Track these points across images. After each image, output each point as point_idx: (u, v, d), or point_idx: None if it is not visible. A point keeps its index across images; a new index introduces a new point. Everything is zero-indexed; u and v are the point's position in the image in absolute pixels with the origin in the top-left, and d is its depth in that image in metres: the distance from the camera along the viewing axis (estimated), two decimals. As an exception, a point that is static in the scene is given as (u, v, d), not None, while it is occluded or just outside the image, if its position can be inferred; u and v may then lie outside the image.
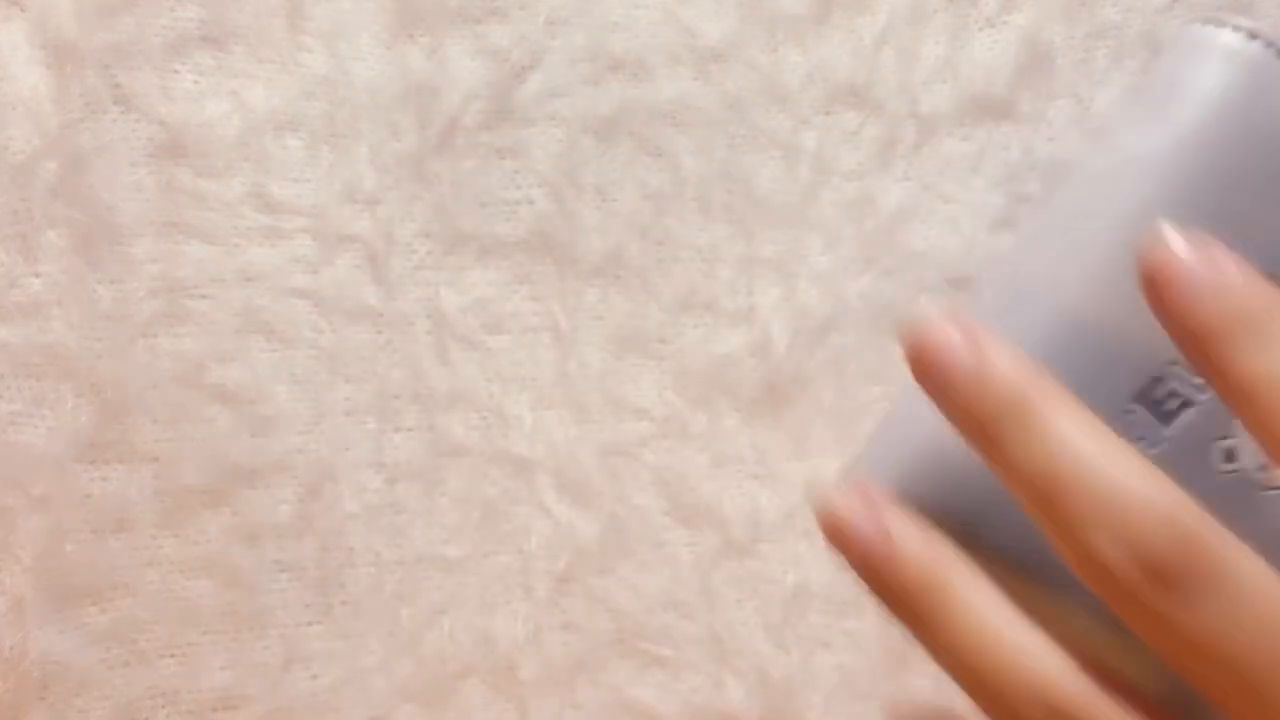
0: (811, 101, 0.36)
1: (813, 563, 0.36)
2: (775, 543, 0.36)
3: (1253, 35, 0.24)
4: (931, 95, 0.36)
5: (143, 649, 0.34)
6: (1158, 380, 0.24)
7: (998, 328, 0.22)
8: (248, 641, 0.34)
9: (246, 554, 0.34)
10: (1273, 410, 0.19)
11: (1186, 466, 0.21)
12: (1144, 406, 0.24)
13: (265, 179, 0.34)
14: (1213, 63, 0.25)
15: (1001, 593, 0.22)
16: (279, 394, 0.34)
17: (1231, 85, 0.24)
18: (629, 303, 0.36)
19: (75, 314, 0.33)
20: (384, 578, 0.35)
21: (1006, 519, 0.22)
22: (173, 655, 0.34)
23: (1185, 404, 0.24)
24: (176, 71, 0.33)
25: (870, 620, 0.36)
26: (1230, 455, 0.23)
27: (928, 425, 0.24)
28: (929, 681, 0.35)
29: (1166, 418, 0.24)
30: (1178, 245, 0.20)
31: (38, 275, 0.33)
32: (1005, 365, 0.20)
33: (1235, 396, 0.19)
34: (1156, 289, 0.20)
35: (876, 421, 0.28)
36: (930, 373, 0.21)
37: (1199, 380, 0.23)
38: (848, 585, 0.36)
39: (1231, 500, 0.20)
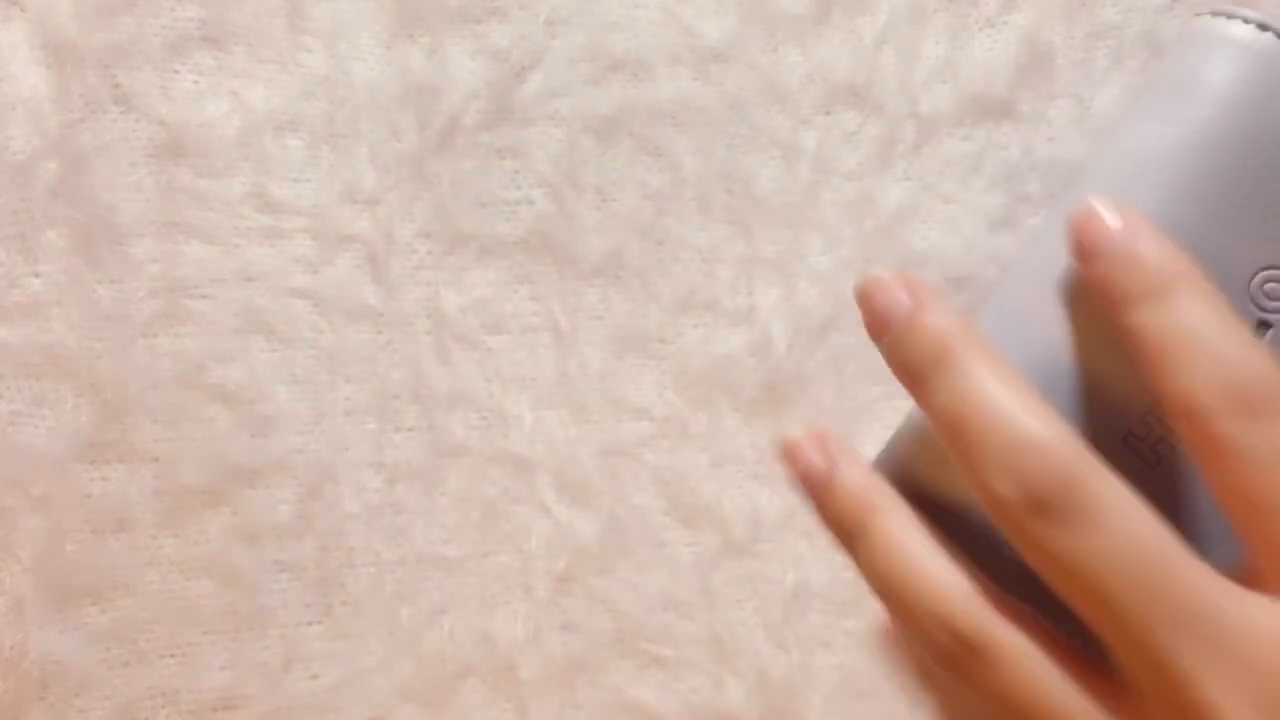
0: (811, 101, 0.36)
1: (813, 563, 0.36)
2: (775, 543, 0.36)
3: (1263, 27, 0.24)
4: (931, 95, 0.36)
5: (143, 649, 0.34)
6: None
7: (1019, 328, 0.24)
8: (248, 641, 0.35)
9: (246, 554, 0.34)
10: (1171, 364, 0.22)
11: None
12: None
13: (265, 179, 0.34)
14: (1223, 56, 0.25)
15: (926, 529, 0.25)
16: (279, 394, 0.34)
17: (1243, 79, 0.24)
18: (629, 303, 0.36)
19: (75, 314, 0.33)
20: (384, 578, 0.35)
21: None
22: (173, 655, 0.34)
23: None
24: (176, 71, 0.33)
25: (870, 620, 0.36)
26: None
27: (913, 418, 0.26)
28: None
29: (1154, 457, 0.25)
30: (1106, 217, 0.23)
31: (38, 275, 0.33)
32: (937, 317, 0.23)
33: (1145, 352, 0.22)
34: (1083, 255, 0.23)
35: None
36: (873, 318, 0.24)
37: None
38: (848, 585, 0.36)
39: None
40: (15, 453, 0.33)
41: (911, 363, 0.24)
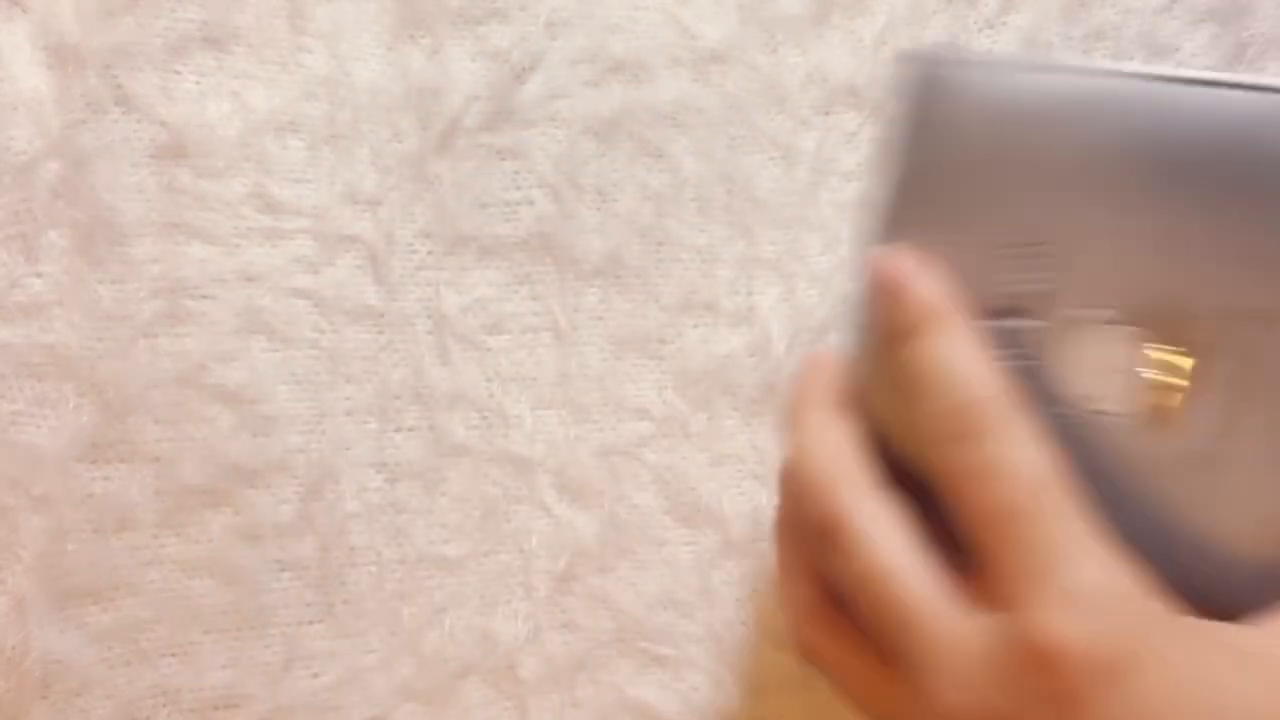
0: (811, 102, 0.37)
1: (812, 562, 0.36)
2: (775, 542, 0.36)
3: (923, 59, 0.27)
4: (930, 96, 0.36)
5: (144, 648, 0.34)
6: None
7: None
8: (249, 640, 0.35)
9: (248, 553, 0.34)
10: (917, 395, 0.26)
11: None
12: None
13: (266, 180, 0.34)
14: (904, 99, 0.27)
15: (848, 429, 0.28)
16: (280, 394, 0.34)
17: (912, 112, 0.27)
18: (629, 303, 0.36)
19: (77, 314, 0.33)
20: (385, 577, 0.35)
21: None
22: (174, 654, 0.34)
23: None
24: (178, 72, 0.33)
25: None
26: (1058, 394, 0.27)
27: None
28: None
29: None
30: (885, 262, 0.27)
31: (39, 275, 0.33)
32: (923, 290, 0.26)
33: (907, 386, 0.26)
34: (870, 295, 0.27)
35: None
36: (873, 285, 0.27)
37: None
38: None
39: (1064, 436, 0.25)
40: (17, 452, 0.33)
41: (898, 322, 0.27)
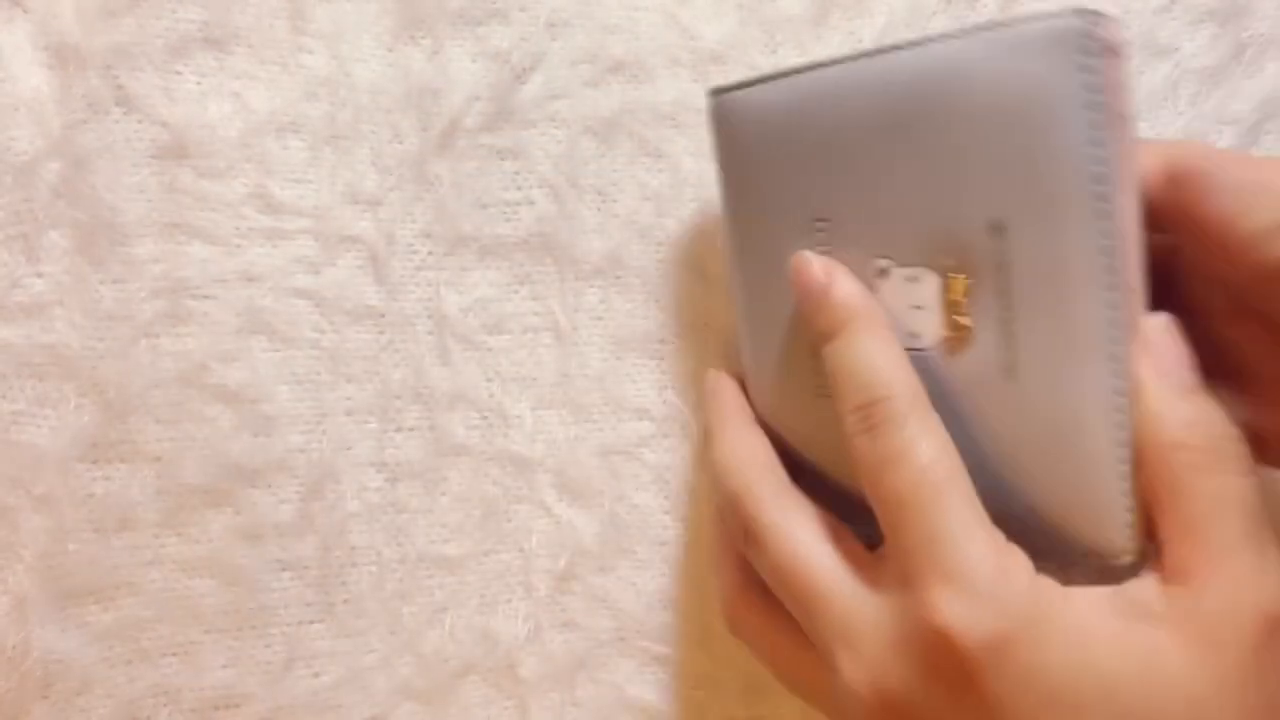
0: (810, 103, 0.37)
1: (812, 562, 0.36)
2: (774, 542, 0.37)
3: (711, 92, 0.32)
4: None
5: (145, 647, 0.34)
6: None
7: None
8: (249, 640, 0.35)
9: (248, 553, 0.34)
10: (838, 391, 0.28)
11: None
12: None
13: (267, 180, 0.34)
14: (710, 127, 0.32)
15: (755, 434, 0.32)
16: (281, 394, 0.34)
17: (716, 135, 0.32)
18: (629, 303, 0.36)
19: (78, 314, 0.33)
20: (385, 576, 0.35)
21: None
22: (175, 654, 0.34)
23: None
24: (179, 73, 0.33)
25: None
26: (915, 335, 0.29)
27: None
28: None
29: None
30: (812, 266, 0.29)
31: (40, 275, 0.33)
32: (842, 291, 0.29)
33: (831, 382, 0.29)
34: (797, 298, 0.30)
35: None
36: (799, 289, 0.30)
37: None
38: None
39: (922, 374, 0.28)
40: (18, 452, 0.33)
41: (821, 324, 0.29)
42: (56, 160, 0.33)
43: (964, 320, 0.28)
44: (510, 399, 0.36)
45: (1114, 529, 0.27)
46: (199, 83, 0.34)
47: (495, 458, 0.36)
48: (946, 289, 0.28)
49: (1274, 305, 0.27)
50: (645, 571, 0.37)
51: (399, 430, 0.35)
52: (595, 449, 0.37)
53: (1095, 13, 0.26)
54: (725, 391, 0.33)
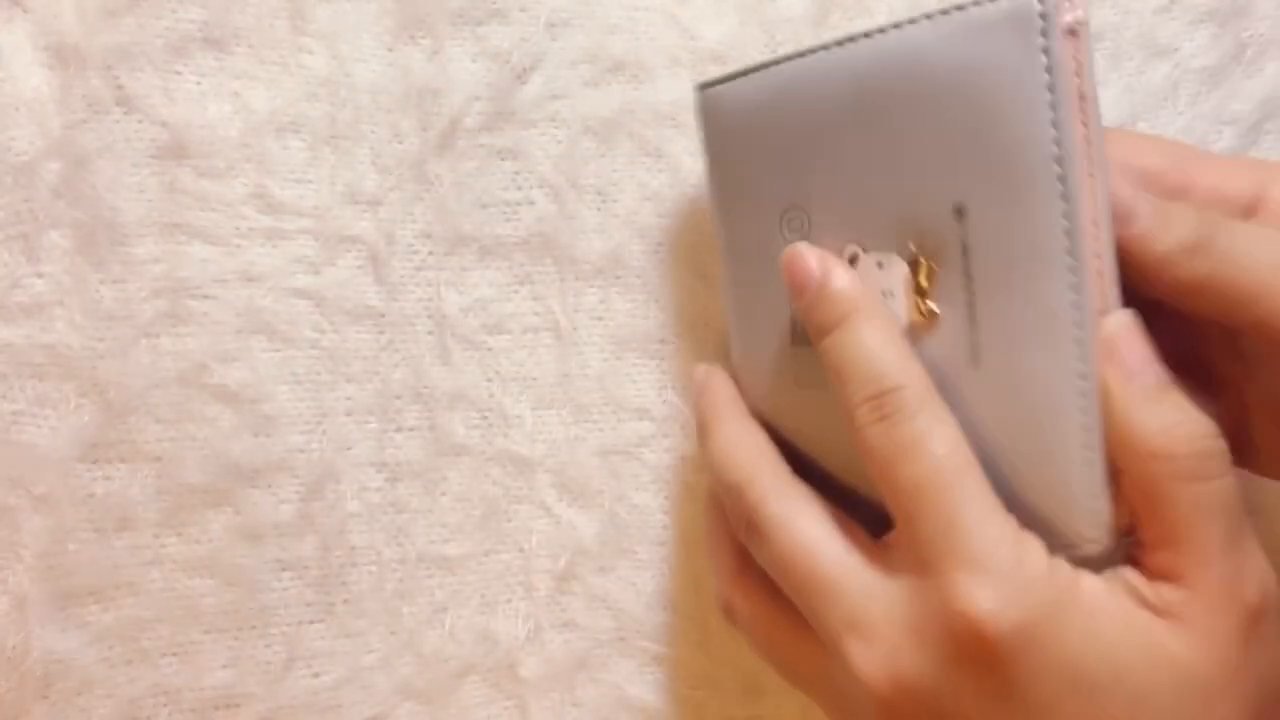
0: (810, 103, 0.37)
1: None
2: (774, 542, 0.36)
3: (696, 87, 0.33)
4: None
5: (145, 648, 0.34)
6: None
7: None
8: (249, 640, 0.35)
9: (248, 553, 0.34)
10: (842, 382, 0.28)
11: None
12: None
13: (267, 180, 0.34)
14: (698, 121, 0.33)
15: (751, 429, 0.32)
16: (281, 394, 0.34)
17: (702, 129, 0.33)
18: (629, 303, 0.36)
19: (78, 314, 0.33)
20: (385, 576, 0.35)
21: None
22: (175, 654, 0.34)
23: None
24: (179, 73, 0.33)
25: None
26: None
27: None
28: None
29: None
30: (807, 258, 0.29)
31: (40, 275, 0.33)
32: (839, 284, 0.29)
33: (831, 374, 0.28)
34: (791, 292, 0.30)
35: None
36: (793, 283, 0.29)
37: None
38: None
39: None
40: (18, 452, 0.33)
41: (820, 317, 0.29)
42: (56, 160, 0.33)
43: (930, 305, 0.28)
44: (510, 399, 0.36)
45: (1081, 516, 0.27)
46: (199, 83, 0.34)
47: (495, 458, 0.36)
48: (914, 274, 0.28)
49: (1201, 312, 0.27)
50: (645, 571, 0.37)
51: (399, 430, 0.35)
52: (595, 449, 0.37)
53: None
54: (717, 383, 0.33)
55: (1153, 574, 0.26)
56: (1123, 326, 0.26)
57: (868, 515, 0.29)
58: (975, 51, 0.26)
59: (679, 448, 0.37)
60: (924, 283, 0.28)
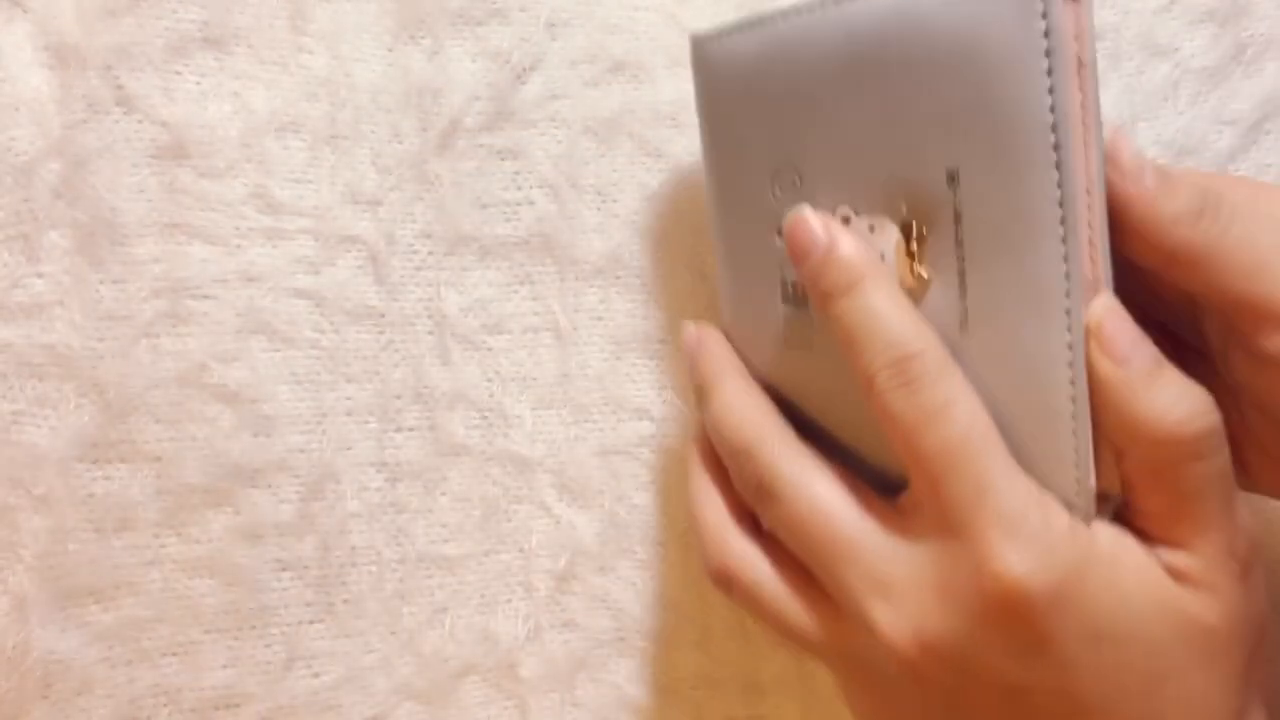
0: (810, 103, 0.37)
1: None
2: (774, 542, 0.36)
3: (692, 39, 0.32)
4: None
5: (145, 648, 0.34)
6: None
7: None
8: (249, 640, 0.35)
9: (248, 553, 0.34)
10: (856, 347, 0.28)
11: None
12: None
13: (267, 180, 0.34)
14: (693, 73, 0.32)
15: (756, 394, 0.31)
16: (281, 394, 0.34)
17: (697, 81, 0.32)
18: (629, 303, 0.36)
19: (78, 314, 0.33)
20: (385, 576, 0.36)
21: None
22: (175, 654, 0.34)
23: None
24: (179, 73, 0.33)
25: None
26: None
27: None
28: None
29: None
30: (811, 223, 0.29)
31: (40, 275, 0.33)
32: (847, 250, 0.28)
33: (842, 339, 0.28)
34: (794, 257, 0.29)
35: None
36: (797, 248, 0.29)
37: None
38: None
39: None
40: (18, 452, 0.33)
41: (827, 283, 0.28)
42: (56, 160, 0.33)
43: (921, 270, 0.28)
44: (510, 399, 0.36)
45: (1067, 483, 0.27)
46: (199, 83, 0.34)
47: (495, 458, 0.36)
48: (905, 238, 0.28)
49: (1191, 285, 0.28)
50: (645, 571, 0.37)
51: (399, 430, 0.35)
52: (595, 449, 0.37)
53: None
54: (713, 343, 0.33)
55: (1158, 542, 0.27)
56: (1107, 310, 0.27)
57: (862, 475, 0.30)
58: (974, 14, 0.26)
59: (679, 448, 0.37)
60: (915, 247, 0.28)
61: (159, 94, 0.33)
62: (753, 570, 0.31)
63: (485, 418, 0.36)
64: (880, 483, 0.29)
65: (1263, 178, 0.38)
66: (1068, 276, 0.26)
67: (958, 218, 0.27)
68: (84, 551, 0.33)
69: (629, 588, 0.37)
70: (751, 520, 0.31)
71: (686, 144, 0.36)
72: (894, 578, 0.27)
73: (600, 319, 0.36)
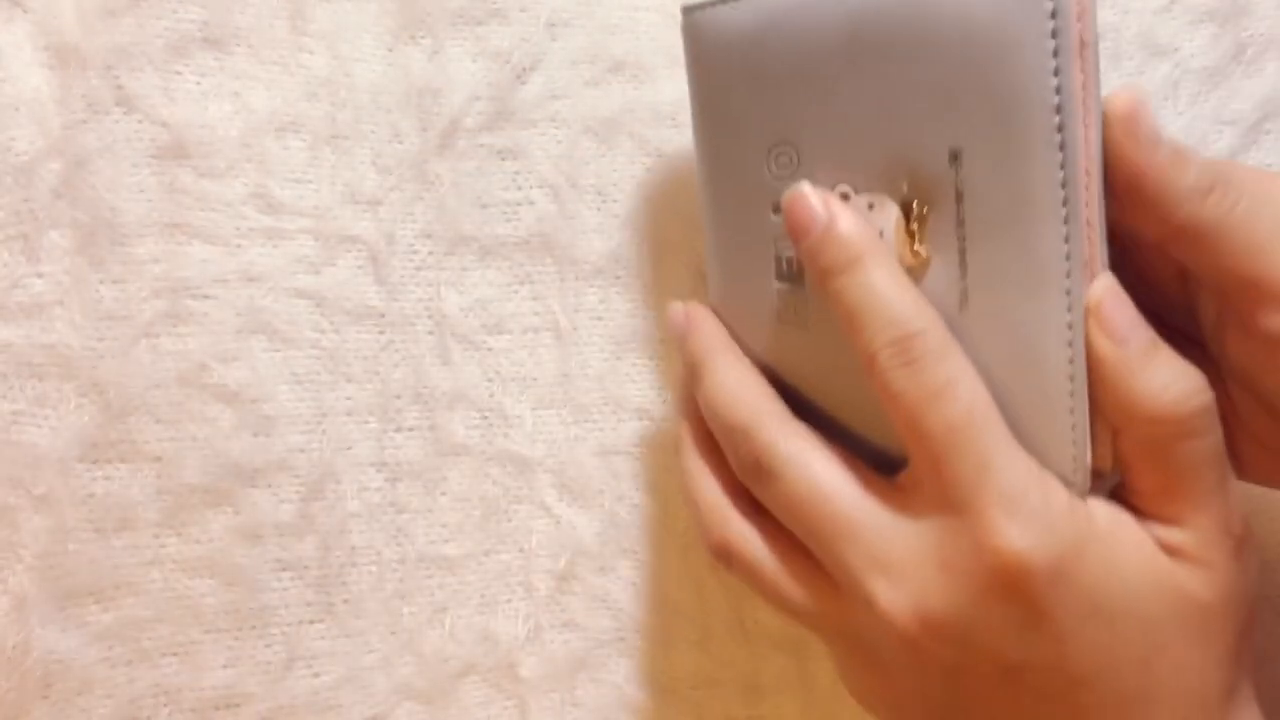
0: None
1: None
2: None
3: (683, 9, 0.31)
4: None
5: (145, 647, 0.34)
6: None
7: None
8: (249, 640, 0.35)
9: (248, 553, 0.34)
10: (857, 325, 0.28)
11: None
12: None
13: (267, 180, 0.34)
14: (684, 45, 0.31)
15: (748, 372, 0.31)
16: (281, 394, 0.34)
17: (688, 53, 0.31)
18: (629, 303, 0.36)
19: (78, 314, 0.33)
20: (385, 576, 0.36)
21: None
22: (175, 654, 0.34)
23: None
24: (179, 73, 0.33)
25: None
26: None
27: None
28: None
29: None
30: (810, 200, 0.28)
31: (40, 275, 0.33)
32: (847, 226, 0.28)
33: (842, 317, 0.28)
34: (793, 234, 0.29)
35: None
36: (796, 225, 0.29)
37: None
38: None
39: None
40: (18, 452, 0.33)
41: (827, 260, 0.28)
42: (57, 160, 0.33)
43: (921, 249, 0.28)
44: (510, 399, 0.36)
45: (1063, 461, 0.27)
46: (199, 83, 0.34)
47: (495, 458, 0.36)
48: (905, 216, 0.28)
49: (1194, 261, 0.28)
50: (645, 571, 0.37)
51: (399, 430, 0.35)
52: (595, 449, 0.37)
53: None
54: (705, 321, 0.32)
55: (1153, 519, 0.27)
56: (1106, 290, 0.27)
57: (858, 452, 0.30)
58: None
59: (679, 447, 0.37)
60: (914, 226, 0.28)
61: (159, 94, 0.33)
62: (752, 545, 0.31)
63: (485, 418, 0.36)
64: (876, 459, 0.29)
65: (1263, 178, 0.38)
66: (1068, 256, 0.27)
67: (960, 197, 0.27)
68: (84, 551, 0.33)
69: (629, 588, 0.37)
70: (747, 498, 0.31)
71: (686, 144, 0.36)
72: (894, 554, 0.27)
73: (600, 319, 0.36)
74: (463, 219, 0.35)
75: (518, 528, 0.36)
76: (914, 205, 0.28)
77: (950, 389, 0.27)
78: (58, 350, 0.33)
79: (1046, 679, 0.27)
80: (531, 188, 0.36)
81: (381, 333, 0.35)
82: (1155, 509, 0.27)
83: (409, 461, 0.35)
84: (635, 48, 0.36)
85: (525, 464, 0.36)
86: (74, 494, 0.33)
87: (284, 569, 0.35)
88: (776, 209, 0.30)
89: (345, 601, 0.35)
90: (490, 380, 0.36)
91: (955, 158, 0.27)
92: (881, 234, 0.28)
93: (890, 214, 0.28)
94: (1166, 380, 0.27)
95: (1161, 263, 0.30)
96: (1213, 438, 0.27)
